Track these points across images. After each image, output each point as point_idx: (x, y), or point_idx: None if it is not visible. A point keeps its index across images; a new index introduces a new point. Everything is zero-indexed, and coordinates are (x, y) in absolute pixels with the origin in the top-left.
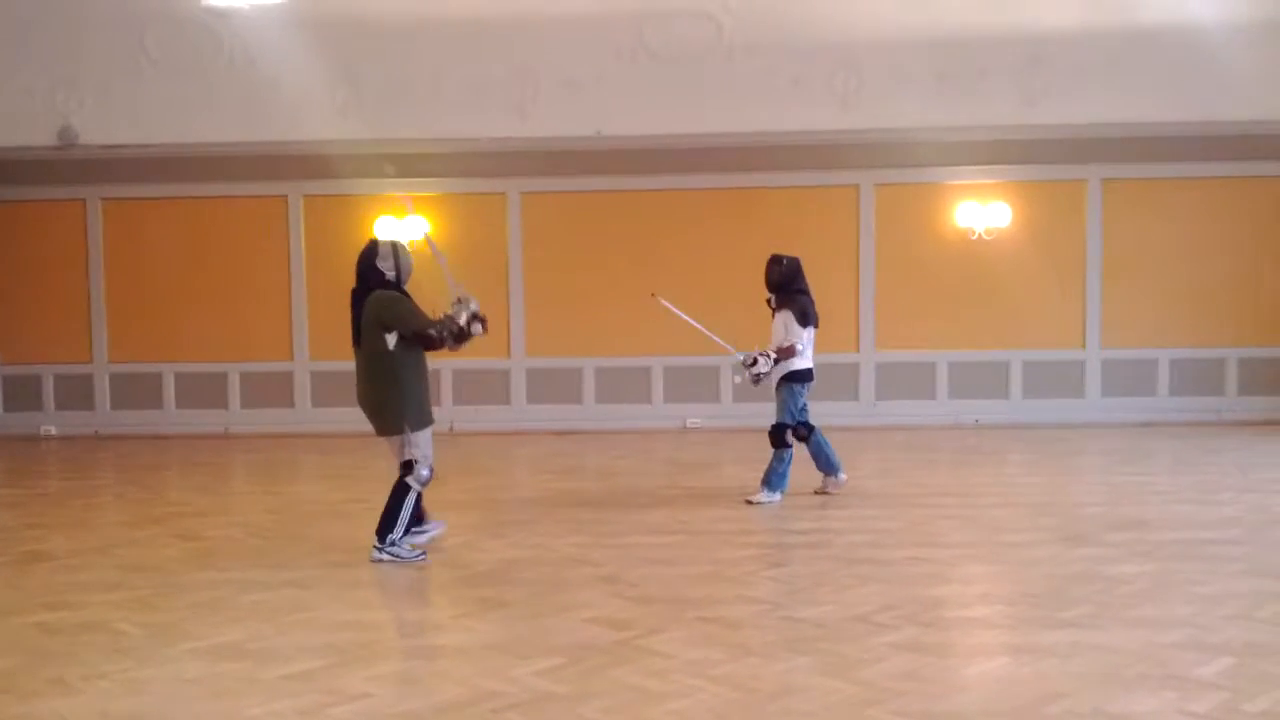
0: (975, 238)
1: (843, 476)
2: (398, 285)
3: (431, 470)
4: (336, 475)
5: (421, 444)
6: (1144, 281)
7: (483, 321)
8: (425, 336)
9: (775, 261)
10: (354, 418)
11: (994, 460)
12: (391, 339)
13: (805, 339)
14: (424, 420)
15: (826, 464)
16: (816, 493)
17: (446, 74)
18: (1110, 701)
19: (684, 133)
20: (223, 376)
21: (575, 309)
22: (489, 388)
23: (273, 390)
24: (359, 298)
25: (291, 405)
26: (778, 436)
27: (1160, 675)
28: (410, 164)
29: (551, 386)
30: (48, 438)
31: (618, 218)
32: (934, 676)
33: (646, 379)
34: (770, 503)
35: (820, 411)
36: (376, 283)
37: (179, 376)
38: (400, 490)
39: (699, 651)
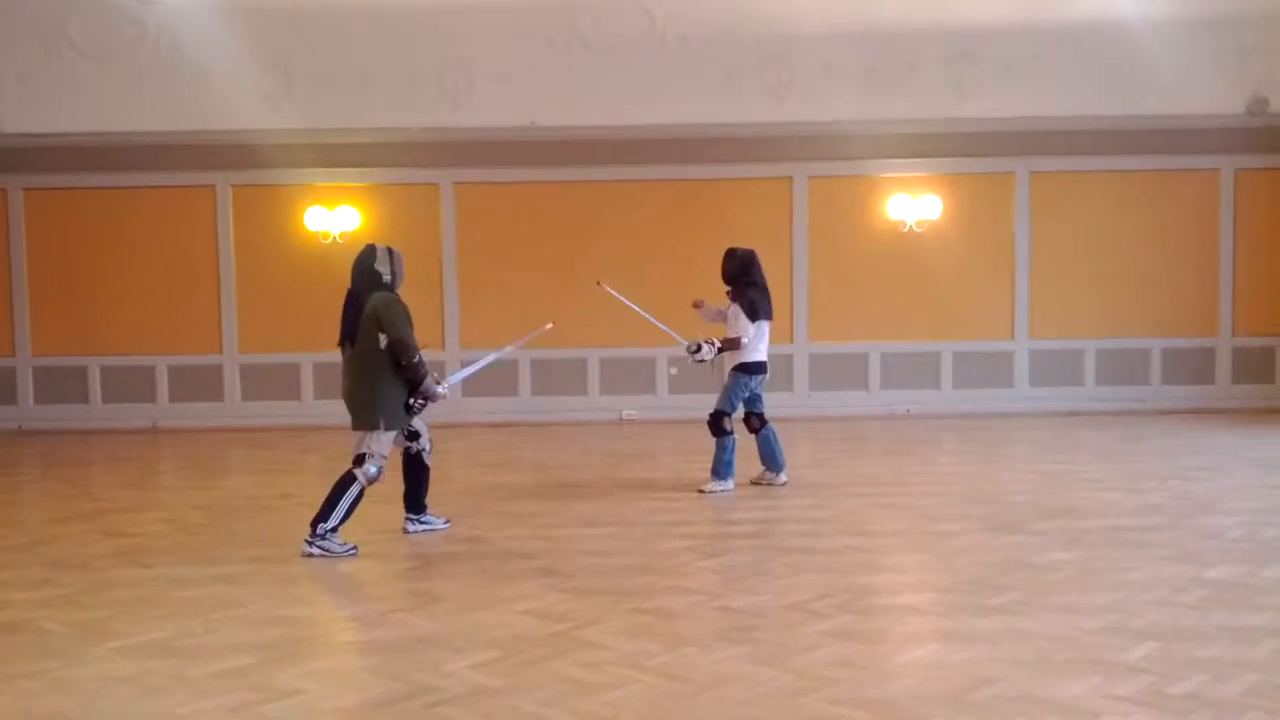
0: (906, 230)
1: (783, 478)
2: (392, 288)
3: (380, 470)
4: (266, 470)
5: (383, 442)
6: (1071, 273)
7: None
8: (404, 347)
9: (729, 254)
10: (285, 412)
11: (925, 450)
12: (384, 339)
13: (753, 332)
14: (395, 422)
15: (771, 459)
16: (753, 482)
17: (377, 63)
18: (1038, 686)
19: (617, 124)
20: (150, 370)
21: (509, 300)
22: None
23: (202, 384)
24: (353, 298)
25: (221, 399)
26: (716, 424)
27: (1086, 660)
28: (341, 154)
29: (486, 379)
30: None
31: (552, 209)
32: (867, 664)
33: (583, 371)
34: (723, 491)
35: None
36: (375, 285)
37: (105, 370)
38: (345, 481)
39: (635, 643)
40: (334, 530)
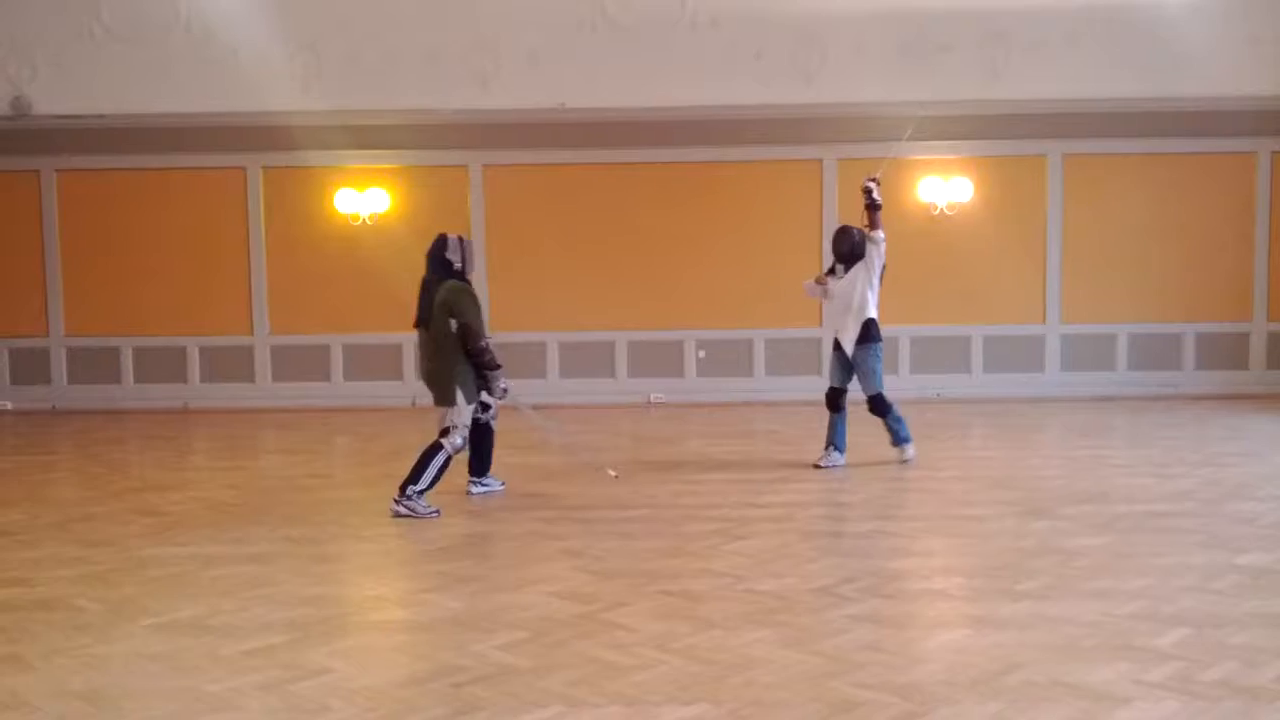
0: (937, 213)
1: (842, 459)
2: (463, 275)
3: (465, 441)
4: (297, 450)
5: (464, 414)
6: (1103, 257)
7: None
8: (470, 332)
9: (845, 232)
10: (315, 393)
11: (955, 434)
12: (455, 323)
13: (882, 263)
14: (471, 395)
15: (839, 439)
16: (815, 465)
17: (407, 45)
18: (1068, 672)
19: (646, 105)
20: (181, 351)
21: (538, 283)
22: None
23: (233, 365)
24: (429, 285)
25: (252, 380)
26: (879, 406)
27: (1117, 646)
28: (370, 136)
29: (515, 361)
30: (3, 413)
31: (580, 191)
32: (894, 648)
33: (610, 354)
34: (913, 457)
35: (779, 386)
36: (446, 272)
37: (137, 351)
38: (433, 449)
39: (662, 625)
40: (421, 493)
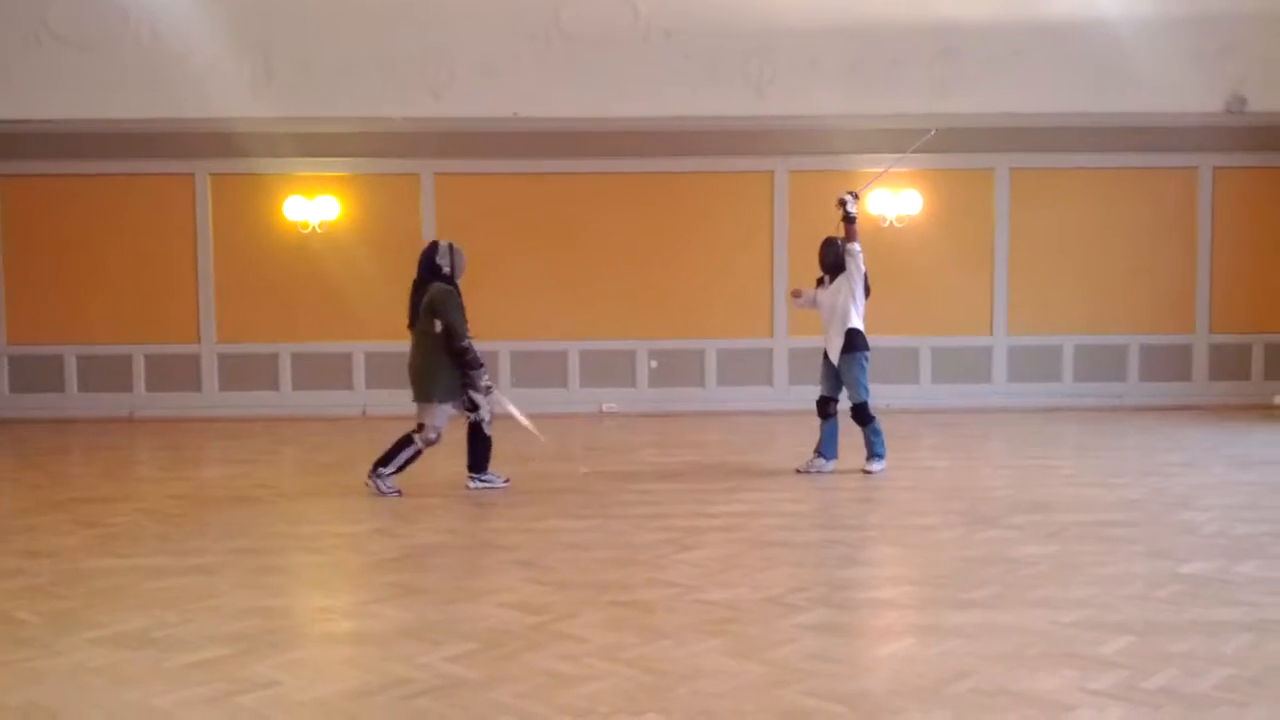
0: (886, 225)
1: (830, 466)
2: (452, 280)
3: (439, 436)
4: (243, 460)
5: (437, 416)
6: (1050, 269)
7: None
8: (453, 333)
9: (829, 243)
10: (263, 402)
11: (903, 444)
12: (439, 324)
13: (861, 278)
14: (448, 396)
15: (830, 446)
16: (798, 470)
17: (359, 53)
18: (1014, 680)
19: (600, 116)
20: (127, 359)
21: (490, 293)
22: (403, 372)
23: (179, 373)
24: (419, 287)
25: (198, 389)
26: (862, 415)
27: (1062, 654)
28: (321, 144)
29: None
30: None
31: (533, 201)
32: (843, 657)
33: (563, 363)
34: (881, 470)
35: (730, 396)
36: (435, 276)
37: (81, 359)
38: (405, 440)
39: (612, 635)
40: (390, 475)
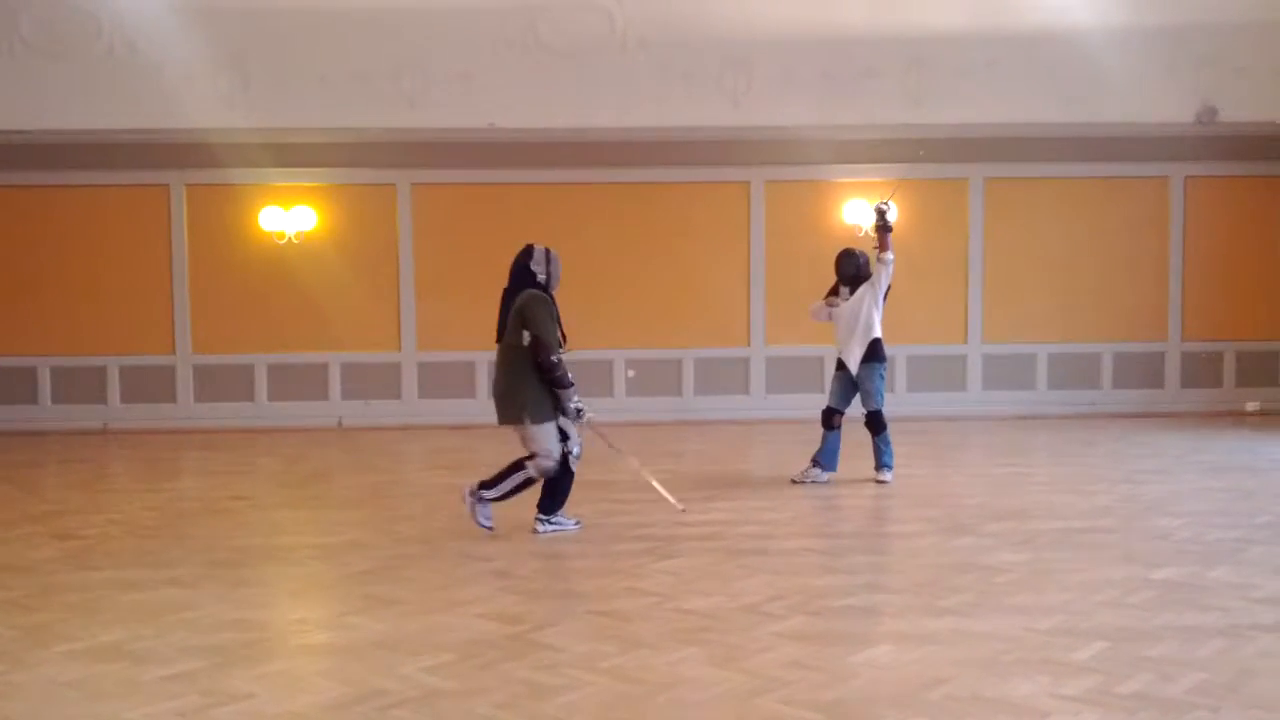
0: (862, 234)
1: (826, 477)
2: (546, 288)
3: (555, 462)
4: (219, 472)
5: (544, 437)
6: (1023, 278)
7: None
8: (540, 345)
9: (849, 254)
10: (238, 413)
11: None
12: (528, 335)
13: (888, 281)
14: (543, 415)
15: (830, 458)
16: (794, 480)
17: (334, 63)
18: (989, 687)
19: (576, 126)
20: (101, 370)
21: (467, 303)
22: (379, 382)
23: (154, 385)
24: (509, 296)
25: (173, 400)
26: (876, 422)
27: (1036, 660)
28: (296, 154)
29: (444, 380)
30: None
31: (509, 211)
32: (820, 665)
33: None
34: (887, 482)
35: (712, 405)
36: (528, 283)
37: (55, 370)
38: (517, 464)
39: (590, 645)
40: (490, 501)
